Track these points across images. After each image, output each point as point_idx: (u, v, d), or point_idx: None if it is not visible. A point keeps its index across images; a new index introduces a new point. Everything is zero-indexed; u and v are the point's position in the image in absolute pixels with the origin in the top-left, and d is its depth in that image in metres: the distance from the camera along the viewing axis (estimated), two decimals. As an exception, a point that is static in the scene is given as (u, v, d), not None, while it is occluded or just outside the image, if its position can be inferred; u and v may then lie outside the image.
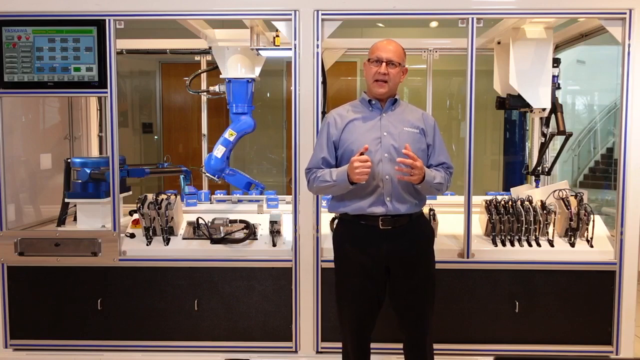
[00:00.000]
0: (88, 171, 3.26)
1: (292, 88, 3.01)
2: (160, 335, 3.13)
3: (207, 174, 3.55)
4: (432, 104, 4.11)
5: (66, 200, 3.35)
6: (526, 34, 3.20)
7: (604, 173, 7.63)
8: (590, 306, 3.05)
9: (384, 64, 2.36)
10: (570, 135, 3.49)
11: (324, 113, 3.55)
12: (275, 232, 3.14)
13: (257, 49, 3.30)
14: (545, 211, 3.10)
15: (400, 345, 2.52)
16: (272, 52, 3.38)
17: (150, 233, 3.14)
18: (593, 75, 7.59)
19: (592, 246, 3.07)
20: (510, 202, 3.12)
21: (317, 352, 3.09)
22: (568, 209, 3.07)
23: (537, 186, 3.69)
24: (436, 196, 3.48)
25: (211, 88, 3.72)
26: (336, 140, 2.43)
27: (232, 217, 3.29)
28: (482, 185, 5.46)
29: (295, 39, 2.95)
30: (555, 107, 3.37)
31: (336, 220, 2.58)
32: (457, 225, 3.16)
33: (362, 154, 2.25)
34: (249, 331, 3.13)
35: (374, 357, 2.57)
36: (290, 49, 2.98)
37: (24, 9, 2.99)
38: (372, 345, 2.53)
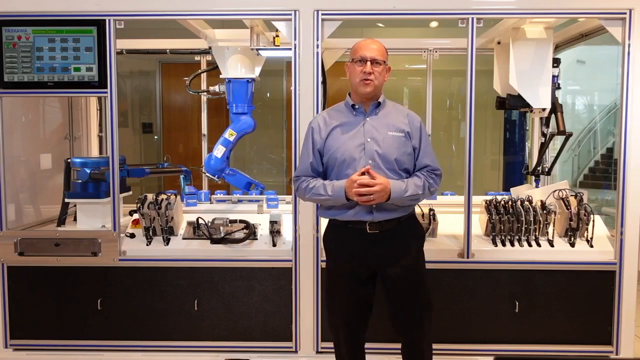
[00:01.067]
0: (88, 171, 3.26)
1: (292, 88, 3.01)
2: (160, 335, 3.13)
3: (207, 174, 3.55)
4: (432, 104, 4.11)
5: (66, 200, 3.35)
6: (526, 34, 3.20)
7: (604, 173, 7.62)
8: (590, 306, 3.05)
9: (368, 62, 2.34)
10: (570, 135, 3.49)
11: (324, 113, 3.55)
12: (275, 232, 3.14)
13: (257, 49, 3.30)
14: (545, 211, 3.10)
15: (398, 345, 2.51)
16: (272, 52, 3.38)
17: (150, 233, 3.14)
18: (593, 75, 7.59)
19: (592, 246, 3.07)
20: (510, 202, 3.12)
21: (317, 352, 3.09)
22: (568, 209, 3.07)
23: (537, 186, 3.69)
24: (436, 196, 3.47)
25: (211, 88, 3.72)
26: (320, 148, 2.41)
27: (232, 217, 3.28)
28: (482, 185, 5.46)
29: (295, 39, 2.95)
30: (555, 107, 3.36)
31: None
32: (457, 225, 3.15)
33: (363, 173, 2.24)
34: (249, 331, 3.13)
35: (370, 357, 2.57)
36: (290, 49, 2.98)
37: (24, 9, 2.99)
38: (368, 345, 2.53)
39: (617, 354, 3.04)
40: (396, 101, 2.56)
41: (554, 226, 3.13)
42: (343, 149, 2.35)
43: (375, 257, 2.37)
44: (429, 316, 2.45)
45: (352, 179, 2.24)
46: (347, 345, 2.47)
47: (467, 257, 3.03)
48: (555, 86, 3.36)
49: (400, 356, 2.52)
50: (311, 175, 2.42)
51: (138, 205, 3.13)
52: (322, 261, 3.02)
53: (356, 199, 2.25)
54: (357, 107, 2.42)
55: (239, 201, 3.61)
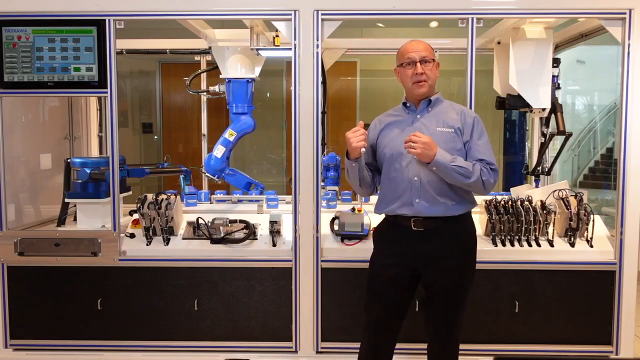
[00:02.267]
0: (88, 171, 3.26)
1: (292, 88, 3.01)
2: (160, 335, 3.13)
3: (207, 174, 3.55)
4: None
5: (66, 200, 3.35)
6: (526, 34, 3.20)
7: (604, 173, 7.63)
8: (590, 306, 3.05)
9: (418, 64, 2.36)
10: (570, 135, 3.49)
11: (324, 113, 3.55)
12: (275, 232, 3.14)
13: (257, 49, 3.30)
14: (545, 211, 3.10)
15: (404, 345, 2.51)
16: (272, 52, 3.38)
17: (150, 233, 3.13)
18: (593, 75, 7.59)
19: (592, 246, 3.07)
20: (510, 202, 3.12)
21: (317, 352, 3.08)
22: (568, 209, 3.07)
23: (537, 186, 3.69)
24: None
25: (211, 88, 3.72)
26: (373, 144, 2.48)
27: (232, 217, 3.28)
28: (482, 185, 5.44)
29: (295, 39, 2.95)
30: (555, 107, 3.36)
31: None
32: (457, 225, 3.15)
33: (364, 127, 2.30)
34: (249, 331, 3.13)
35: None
36: (290, 49, 2.98)
37: (24, 9, 2.99)
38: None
39: (617, 354, 3.04)
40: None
41: (554, 226, 3.13)
42: (391, 145, 2.40)
43: (415, 254, 2.36)
44: (459, 319, 2.45)
45: (349, 133, 2.29)
46: (370, 343, 2.47)
47: (467, 257, 3.03)
48: (555, 86, 3.36)
49: (417, 357, 2.51)
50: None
51: (138, 205, 3.13)
52: (322, 261, 3.03)
53: (405, 146, 2.25)
54: (408, 105, 2.46)
55: (239, 201, 3.61)
